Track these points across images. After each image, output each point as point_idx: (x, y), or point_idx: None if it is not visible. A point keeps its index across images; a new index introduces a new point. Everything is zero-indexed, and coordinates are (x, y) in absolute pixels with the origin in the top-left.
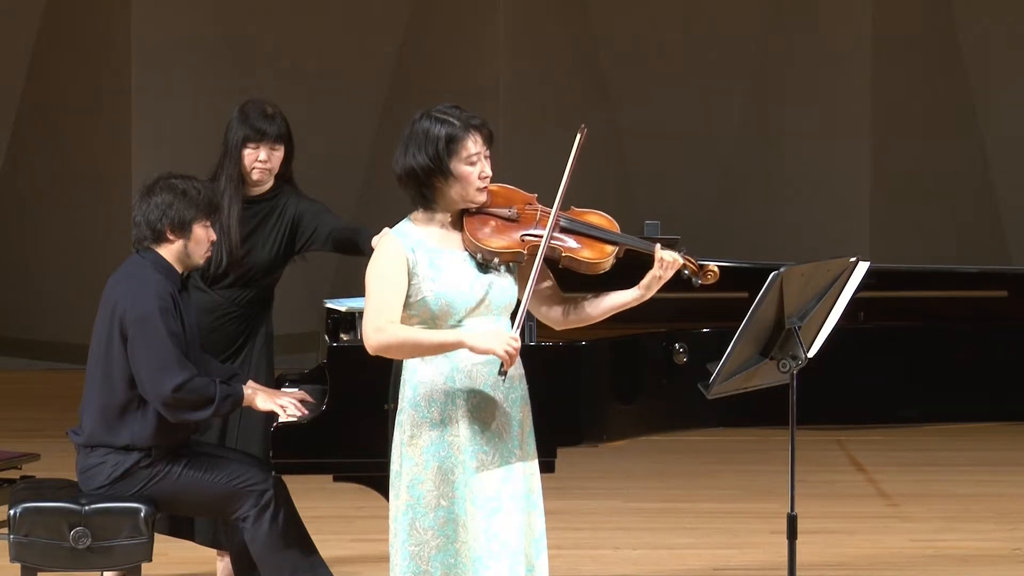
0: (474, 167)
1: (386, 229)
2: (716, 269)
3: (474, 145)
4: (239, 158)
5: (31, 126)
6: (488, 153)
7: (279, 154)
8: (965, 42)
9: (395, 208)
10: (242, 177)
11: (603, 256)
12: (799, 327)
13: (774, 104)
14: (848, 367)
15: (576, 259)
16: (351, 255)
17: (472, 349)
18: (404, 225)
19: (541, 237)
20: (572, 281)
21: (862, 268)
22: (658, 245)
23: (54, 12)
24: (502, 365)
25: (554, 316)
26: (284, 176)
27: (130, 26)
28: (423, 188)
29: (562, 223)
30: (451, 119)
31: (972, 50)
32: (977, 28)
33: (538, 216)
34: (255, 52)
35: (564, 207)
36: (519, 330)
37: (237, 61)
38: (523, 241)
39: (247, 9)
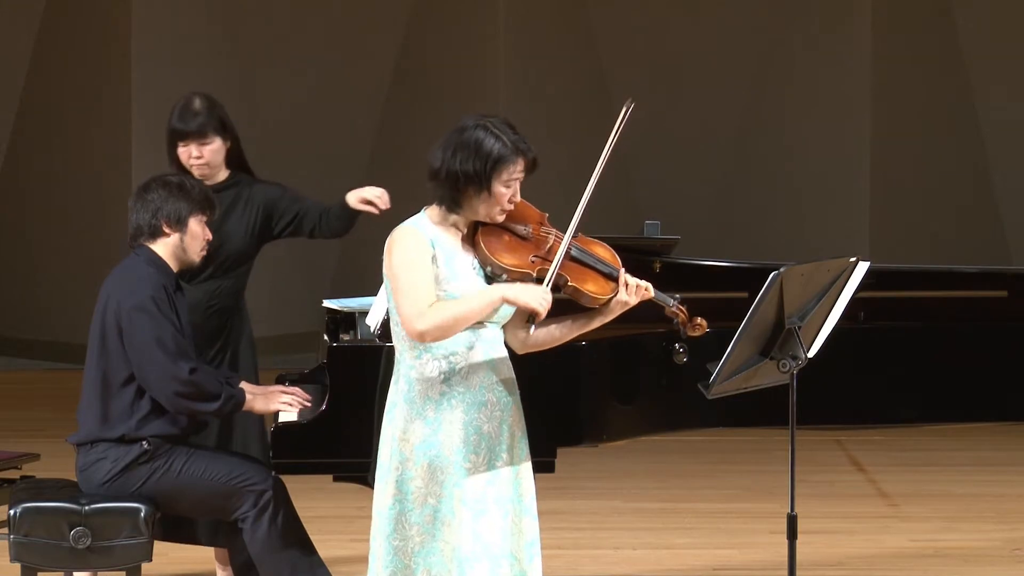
0: (508, 190)
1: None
2: (704, 323)
3: (516, 170)
4: (176, 157)
5: (31, 126)
6: (522, 179)
7: (213, 147)
8: (965, 42)
9: (395, 207)
10: (187, 173)
11: (606, 292)
12: (799, 327)
13: (774, 104)
14: (848, 367)
15: (580, 291)
16: (324, 237)
17: (512, 301)
18: (422, 220)
19: (550, 261)
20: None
21: (862, 268)
22: (623, 272)
23: (54, 12)
24: (533, 318)
25: (521, 337)
26: (237, 164)
27: (130, 26)
28: (456, 192)
29: (572, 252)
30: (505, 138)
31: (972, 50)
32: (977, 28)
33: (551, 241)
34: (255, 52)
35: (575, 235)
36: (550, 286)
37: (237, 61)
38: (532, 263)
39: (247, 9)
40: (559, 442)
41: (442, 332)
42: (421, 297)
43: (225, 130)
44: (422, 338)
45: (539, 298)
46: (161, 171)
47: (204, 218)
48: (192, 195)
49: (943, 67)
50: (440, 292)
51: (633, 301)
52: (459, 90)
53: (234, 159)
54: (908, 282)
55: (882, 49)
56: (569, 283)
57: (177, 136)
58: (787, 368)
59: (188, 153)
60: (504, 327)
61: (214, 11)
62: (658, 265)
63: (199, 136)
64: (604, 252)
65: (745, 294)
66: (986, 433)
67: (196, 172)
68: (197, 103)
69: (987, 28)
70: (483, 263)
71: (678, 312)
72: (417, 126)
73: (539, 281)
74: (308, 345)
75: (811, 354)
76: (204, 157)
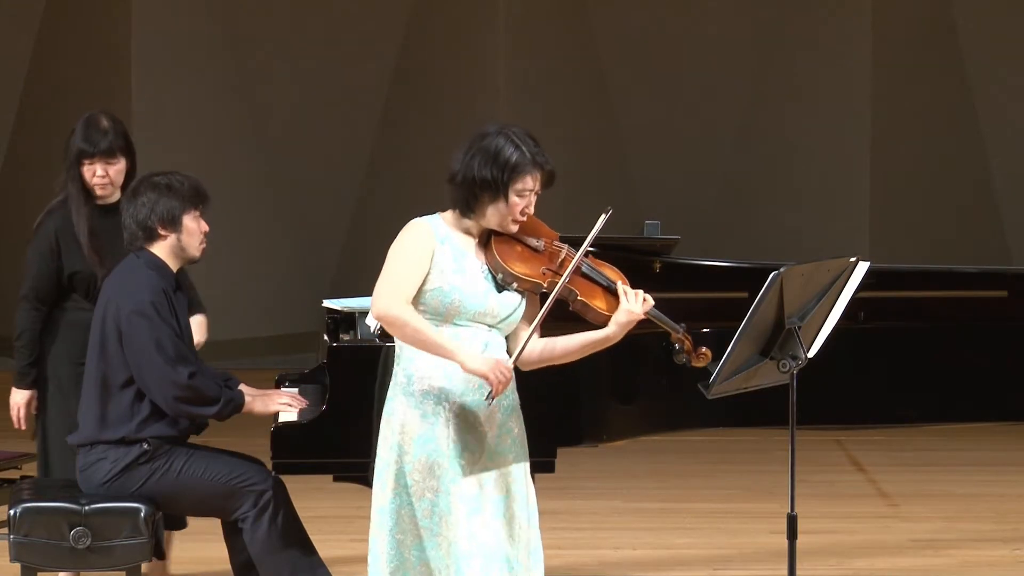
0: (521, 200)
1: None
2: (709, 353)
3: (532, 182)
4: (79, 174)
5: (31, 126)
6: (539, 192)
7: (118, 167)
8: (965, 42)
9: (394, 207)
10: (87, 192)
11: (613, 309)
12: (799, 327)
13: (774, 104)
14: (848, 367)
15: (588, 305)
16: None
17: (463, 366)
18: (436, 219)
19: (562, 276)
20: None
21: (862, 268)
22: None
23: (54, 12)
24: (490, 391)
25: (527, 354)
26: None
27: (130, 26)
28: (471, 197)
29: (583, 269)
30: (524, 149)
31: (972, 50)
32: (977, 28)
33: (562, 256)
34: (255, 52)
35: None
36: (514, 362)
37: (237, 61)
38: (544, 275)
39: (247, 9)
40: (559, 442)
41: (397, 329)
42: (404, 285)
43: (129, 151)
44: (381, 317)
45: (497, 371)
46: (147, 172)
47: (197, 212)
48: (182, 192)
49: (943, 67)
50: (442, 283)
51: (637, 309)
52: (459, 90)
53: (129, 180)
54: (908, 282)
55: (882, 49)
56: (579, 298)
57: (84, 155)
58: (787, 368)
59: (93, 172)
60: (507, 337)
61: (214, 11)
62: (658, 265)
63: (107, 156)
64: (613, 273)
65: (745, 294)
66: (986, 433)
67: (99, 191)
68: (104, 122)
69: (987, 28)
70: (495, 270)
71: (684, 339)
72: (417, 126)
73: (548, 293)
74: (308, 345)
75: (811, 354)
76: (108, 176)
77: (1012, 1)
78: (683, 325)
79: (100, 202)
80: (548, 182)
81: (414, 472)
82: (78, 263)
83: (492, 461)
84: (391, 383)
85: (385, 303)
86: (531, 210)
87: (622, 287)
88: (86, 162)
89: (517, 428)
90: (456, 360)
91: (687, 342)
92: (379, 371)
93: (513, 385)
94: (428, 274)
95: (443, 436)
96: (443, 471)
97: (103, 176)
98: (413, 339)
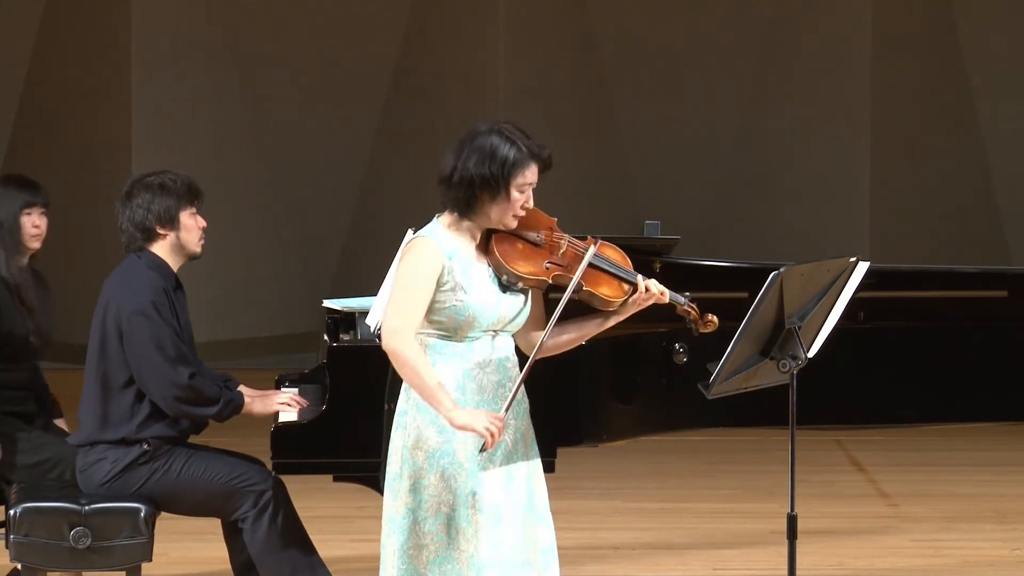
0: (521, 195)
1: (410, 231)
2: (716, 319)
3: (531, 175)
4: (18, 228)
5: (31, 126)
6: (535, 184)
7: (46, 221)
8: (965, 42)
9: (394, 207)
10: (19, 248)
11: (620, 295)
12: (799, 327)
13: (774, 104)
14: (848, 367)
15: (594, 294)
16: None
17: (452, 422)
18: (437, 229)
19: (565, 267)
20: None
21: (862, 268)
22: (640, 277)
23: (54, 12)
24: (484, 445)
25: (532, 341)
26: None
27: (130, 26)
28: (471, 197)
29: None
30: (519, 143)
31: (972, 50)
32: (977, 28)
33: (563, 247)
34: (255, 52)
35: (583, 236)
36: (506, 410)
37: (237, 61)
38: (547, 269)
39: (247, 9)
40: (559, 442)
41: (399, 366)
42: (409, 317)
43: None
44: (388, 350)
45: (485, 423)
46: (137, 174)
47: (193, 209)
48: (176, 190)
49: (943, 67)
50: (456, 302)
51: (645, 304)
52: (459, 90)
53: None
54: (908, 282)
55: (882, 49)
56: (584, 288)
57: (30, 203)
58: (787, 368)
59: (32, 222)
60: (515, 333)
61: (214, 12)
62: (658, 265)
63: (45, 207)
64: (617, 256)
65: (745, 294)
66: (986, 433)
67: (35, 243)
68: (29, 177)
69: (987, 28)
70: (498, 271)
71: (689, 310)
72: (417, 126)
73: (555, 287)
74: (308, 345)
75: (811, 354)
76: (41, 228)
77: (1012, 1)
78: (687, 295)
79: (27, 257)
80: (545, 170)
81: (429, 487)
82: (11, 322)
83: (511, 466)
84: (404, 395)
85: (394, 341)
86: (531, 204)
87: (643, 283)
88: (26, 212)
89: (529, 431)
90: (443, 415)
91: (693, 312)
92: (380, 372)
93: (523, 388)
94: (442, 292)
95: (460, 447)
96: (459, 483)
97: (38, 227)
98: (409, 379)
